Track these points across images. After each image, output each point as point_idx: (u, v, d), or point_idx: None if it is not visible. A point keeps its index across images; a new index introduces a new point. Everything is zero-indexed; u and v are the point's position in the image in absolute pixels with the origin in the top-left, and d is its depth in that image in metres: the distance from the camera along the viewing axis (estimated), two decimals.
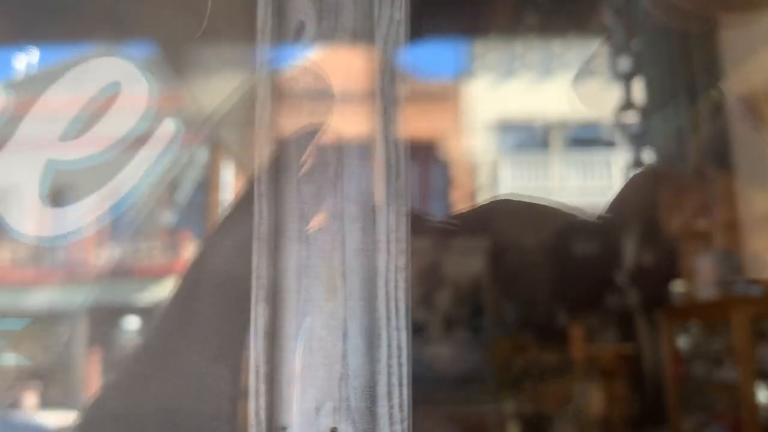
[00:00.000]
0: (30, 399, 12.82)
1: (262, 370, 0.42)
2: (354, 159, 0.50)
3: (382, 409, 0.40)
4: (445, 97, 13.81)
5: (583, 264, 6.71)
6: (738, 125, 4.97)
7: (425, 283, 7.44)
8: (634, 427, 5.42)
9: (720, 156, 5.17)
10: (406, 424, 0.39)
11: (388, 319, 0.41)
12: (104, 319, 14.93)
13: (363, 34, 0.61)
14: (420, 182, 13.24)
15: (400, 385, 0.40)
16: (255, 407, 0.43)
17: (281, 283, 0.42)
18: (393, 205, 0.47)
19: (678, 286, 5.52)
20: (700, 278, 5.04)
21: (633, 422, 5.32)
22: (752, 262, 4.86)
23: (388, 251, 0.43)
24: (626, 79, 4.82)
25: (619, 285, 6.01)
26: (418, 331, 7.36)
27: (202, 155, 14.65)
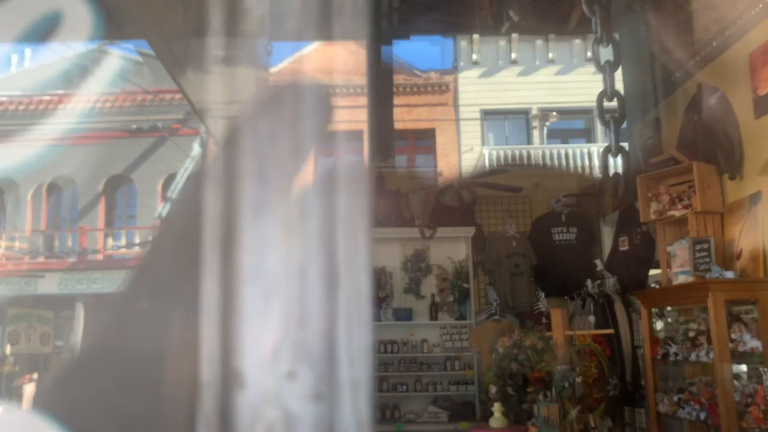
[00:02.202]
0: (29, 389, 12.84)
1: (216, 313, 0.42)
2: (311, 95, 0.48)
3: (342, 353, 0.41)
4: (433, 90, 13.91)
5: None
6: (713, 115, 5.11)
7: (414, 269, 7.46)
8: (614, 406, 5.55)
9: (696, 145, 5.30)
10: (365, 367, 0.41)
11: (348, 260, 0.43)
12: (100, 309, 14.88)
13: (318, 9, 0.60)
14: (407, 170, 13.33)
15: (360, 326, 0.42)
16: (208, 351, 0.43)
17: (236, 224, 0.41)
18: (352, 143, 0.46)
19: (655, 272, 5.64)
20: (677, 264, 5.16)
21: (613, 401, 5.45)
22: (726, 247, 4.99)
23: (348, 191, 0.44)
24: (608, 68, 4.92)
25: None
26: (406, 316, 7.42)
27: (196, 148, 14.66)
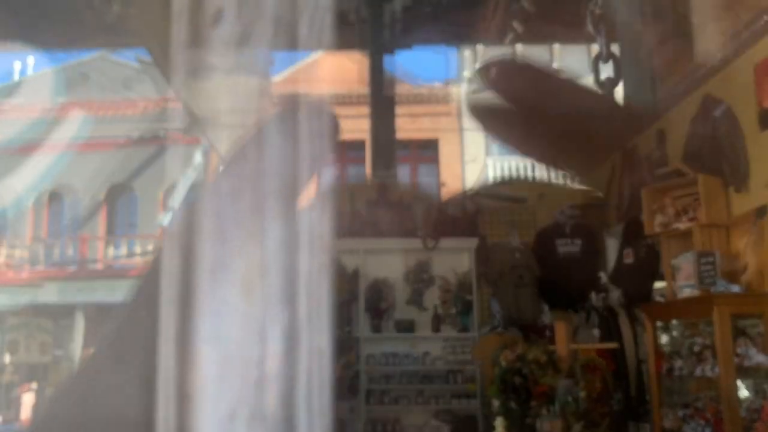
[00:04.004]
0: (28, 398, 12.81)
1: (172, 375, 0.39)
2: (275, 152, 0.44)
3: (302, 416, 0.38)
4: (436, 100, 13.91)
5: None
6: (718, 128, 5.08)
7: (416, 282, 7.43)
8: (618, 421, 5.49)
9: (701, 157, 5.27)
10: (324, 430, 0.38)
11: (310, 320, 0.39)
12: (100, 319, 14.89)
13: (286, 21, 0.56)
14: (410, 180, 13.33)
15: (321, 390, 0.38)
16: (164, 414, 0.40)
17: (194, 283, 0.38)
18: (318, 199, 0.42)
19: (660, 285, 5.59)
20: (682, 277, 5.11)
21: (617, 417, 5.40)
22: (732, 261, 4.95)
23: (311, 248, 0.40)
24: (608, 85, 4.91)
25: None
26: (408, 328, 7.38)
27: (198, 156, 14.67)
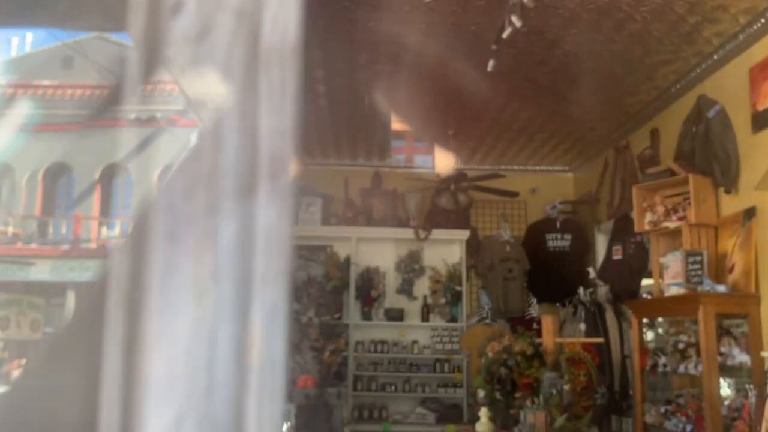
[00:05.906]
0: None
1: (118, 379, 0.38)
2: (232, 151, 0.42)
3: (251, 425, 0.37)
4: None
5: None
6: (711, 128, 5.10)
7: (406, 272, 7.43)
8: (601, 414, 5.54)
9: (693, 157, 5.30)
10: None
11: (263, 327, 0.38)
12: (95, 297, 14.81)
13: (250, 10, 0.53)
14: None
15: (272, 398, 0.37)
16: (107, 419, 0.38)
17: (143, 285, 0.36)
18: (275, 201, 0.40)
19: (648, 282, 5.62)
20: (669, 275, 5.14)
21: (600, 411, 5.44)
22: (719, 261, 4.98)
23: (267, 252, 0.38)
24: None
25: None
26: (398, 317, 7.40)
27: (194, 139, 14.58)
